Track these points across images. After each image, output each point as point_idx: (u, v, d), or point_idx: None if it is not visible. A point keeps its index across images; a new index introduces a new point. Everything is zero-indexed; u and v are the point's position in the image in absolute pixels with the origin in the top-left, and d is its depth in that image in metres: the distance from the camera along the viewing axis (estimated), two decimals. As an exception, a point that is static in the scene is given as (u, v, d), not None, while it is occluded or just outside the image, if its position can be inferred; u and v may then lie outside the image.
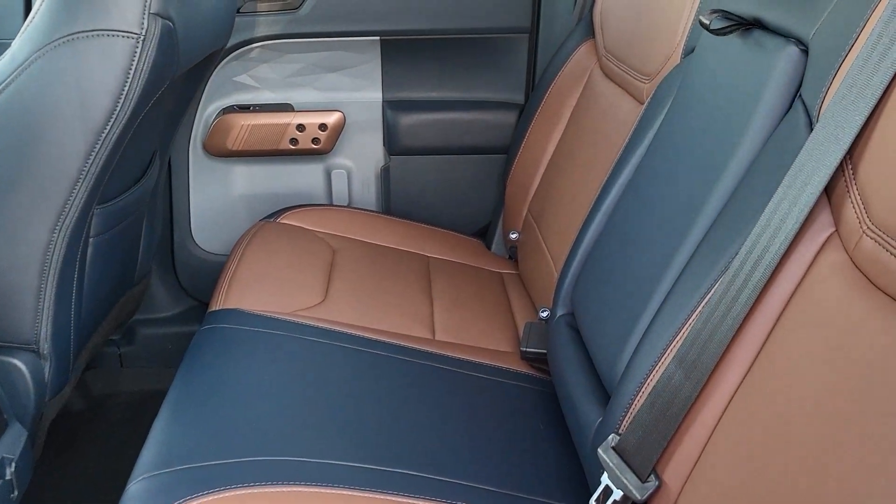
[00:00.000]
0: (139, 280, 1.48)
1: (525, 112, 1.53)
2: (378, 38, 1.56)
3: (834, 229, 0.65)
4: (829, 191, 0.65)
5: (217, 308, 1.17)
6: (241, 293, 1.22)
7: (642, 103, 1.13)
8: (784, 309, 0.68)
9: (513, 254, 1.54)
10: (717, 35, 0.83)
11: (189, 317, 1.69)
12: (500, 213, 1.59)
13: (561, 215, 1.28)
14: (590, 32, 1.44)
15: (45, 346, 1.04)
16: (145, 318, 1.68)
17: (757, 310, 0.69)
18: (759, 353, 0.69)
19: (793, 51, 0.76)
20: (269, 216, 1.50)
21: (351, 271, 1.36)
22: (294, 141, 1.59)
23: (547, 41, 1.57)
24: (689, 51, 1.00)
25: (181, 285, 1.69)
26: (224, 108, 1.59)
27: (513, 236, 1.51)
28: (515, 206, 1.51)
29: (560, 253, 1.22)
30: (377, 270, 1.39)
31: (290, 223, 1.49)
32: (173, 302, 1.71)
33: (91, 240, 1.13)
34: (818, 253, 0.66)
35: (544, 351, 1.16)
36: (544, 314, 1.23)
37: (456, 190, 1.66)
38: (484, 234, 1.67)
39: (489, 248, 1.60)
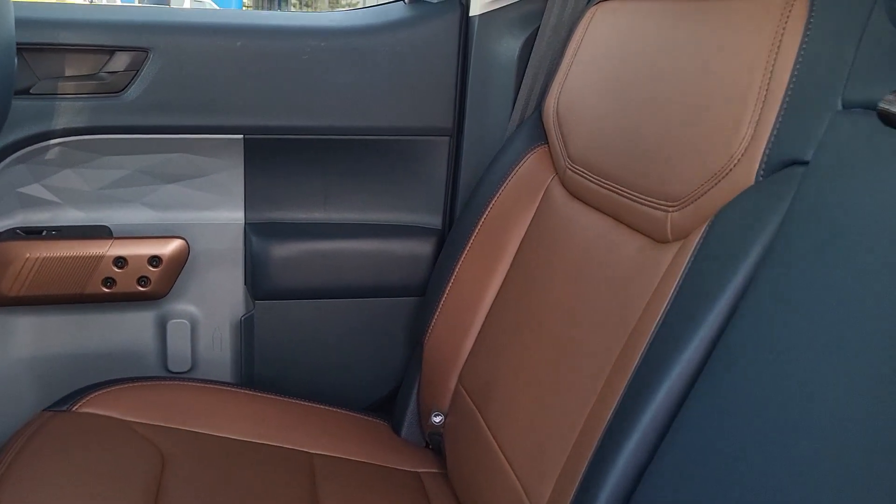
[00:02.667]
0: None
1: (449, 242, 1.11)
2: (241, 136, 1.10)
3: None
4: None
5: None
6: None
7: (665, 241, 0.73)
8: None
9: (434, 441, 1.07)
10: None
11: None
12: (415, 383, 1.12)
13: (527, 404, 0.83)
14: (540, 137, 1.05)
15: None
16: None
17: None
18: None
19: None
20: (62, 402, 0.97)
21: (189, 498, 0.84)
22: (110, 282, 1.08)
23: (476, 148, 1.17)
24: (777, 164, 0.61)
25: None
26: (1, 233, 1.06)
27: (436, 419, 1.04)
28: (438, 373, 1.06)
29: (533, 472, 0.77)
30: (233, 492, 0.88)
31: (94, 412, 0.96)
32: None
33: None
34: None
35: None
36: (510, 571, 0.76)
37: (348, 349, 1.19)
38: (388, 408, 1.20)
39: (398, 432, 1.13)
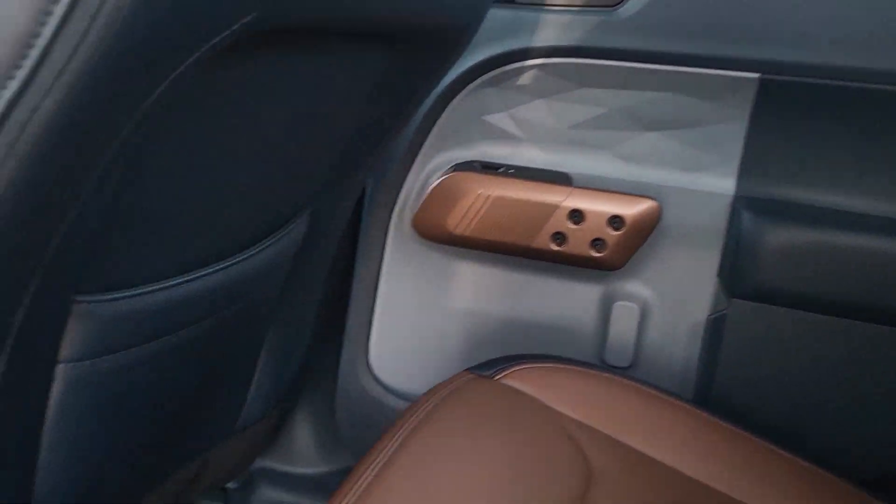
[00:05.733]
0: (246, 424, 0.86)
1: None
2: (756, 75, 0.82)
3: None
4: None
5: None
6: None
7: None
8: None
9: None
10: None
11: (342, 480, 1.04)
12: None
13: None
14: None
15: None
16: (272, 469, 1.06)
17: None
18: None
19: None
20: (486, 365, 0.81)
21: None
22: (560, 238, 0.90)
23: None
24: None
25: (337, 430, 1.06)
26: (459, 164, 0.95)
27: None
28: None
29: None
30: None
31: (519, 387, 0.78)
32: (320, 454, 1.07)
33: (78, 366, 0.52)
34: None
35: None
36: None
37: (852, 390, 0.84)
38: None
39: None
